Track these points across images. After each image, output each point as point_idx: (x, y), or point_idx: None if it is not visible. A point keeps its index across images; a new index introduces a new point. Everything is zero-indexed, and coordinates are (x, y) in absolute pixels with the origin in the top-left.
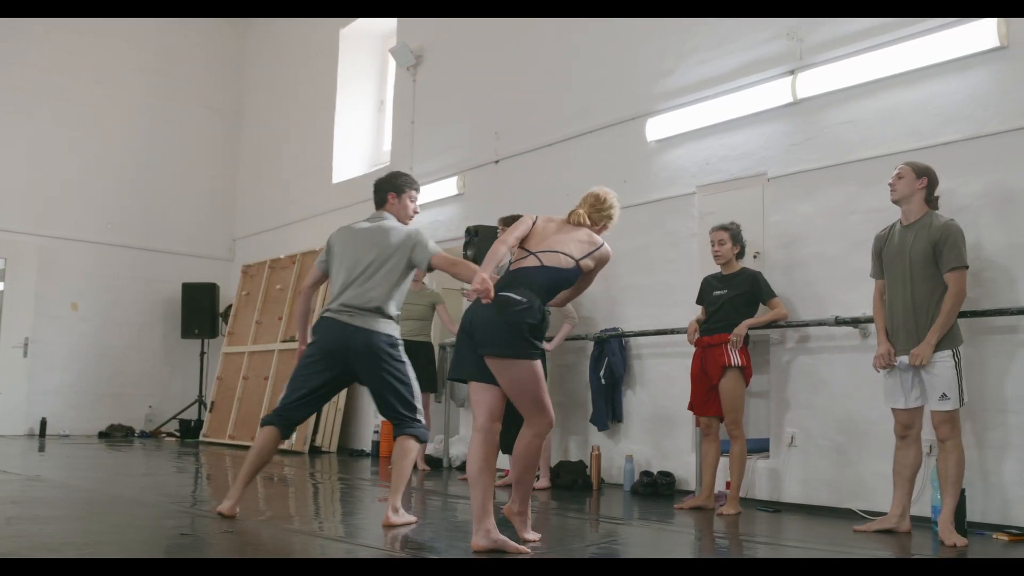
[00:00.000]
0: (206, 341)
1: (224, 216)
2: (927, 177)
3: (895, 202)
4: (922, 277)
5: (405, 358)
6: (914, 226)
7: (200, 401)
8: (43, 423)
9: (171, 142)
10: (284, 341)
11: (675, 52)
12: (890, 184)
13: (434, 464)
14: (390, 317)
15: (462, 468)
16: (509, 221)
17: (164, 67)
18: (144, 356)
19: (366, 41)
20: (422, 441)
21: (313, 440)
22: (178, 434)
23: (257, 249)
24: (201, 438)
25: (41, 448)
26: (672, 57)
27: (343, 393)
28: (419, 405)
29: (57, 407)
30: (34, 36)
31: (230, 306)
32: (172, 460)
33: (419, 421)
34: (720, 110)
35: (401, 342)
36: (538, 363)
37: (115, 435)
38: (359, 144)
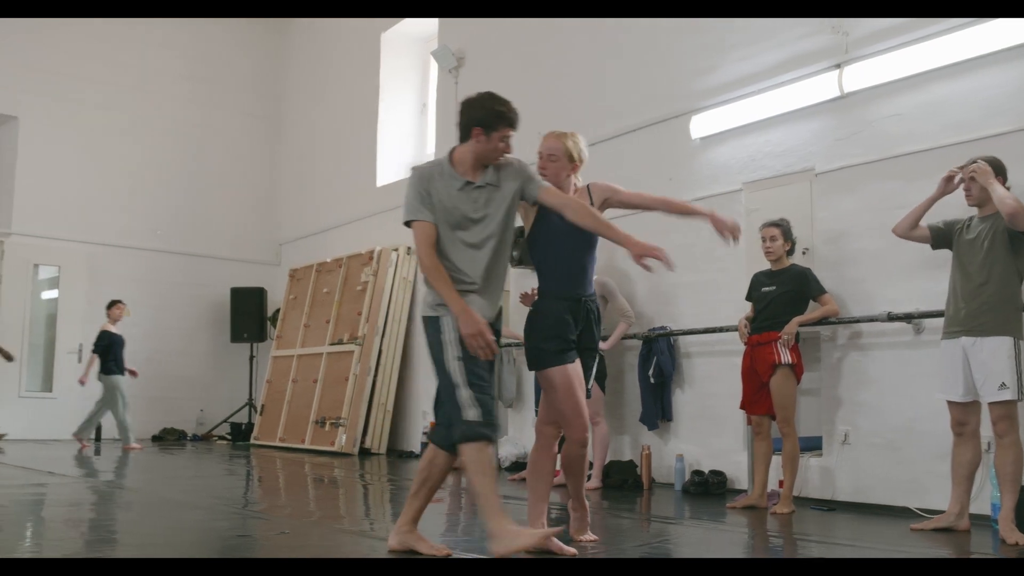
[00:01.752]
0: (255, 345)
1: (270, 221)
2: (1003, 176)
3: (973, 205)
4: (995, 261)
5: None
6: (991, 217)
7: (250, 404)
8: (98, 427)
9: (216, 149)
10: (332, 343)
11: (716, 49)
12: (965, 188)
13: None
14: None
15: (512, 468)
16: None
17: (207, 75)
18: (194, 360)
19: (407, 44)
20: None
21: (362, 442)
22: (229, 437)
23: (303, 253)
24: (252, 441)
25: (96, 452)
26: (714, 54)
27: (391, 393)
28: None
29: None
30: (79, 48)
31: (278, 310)
32: (223, 463)
33: None
34: (764, 106)
35: None
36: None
37: (167, 438)
38: (402, 147)
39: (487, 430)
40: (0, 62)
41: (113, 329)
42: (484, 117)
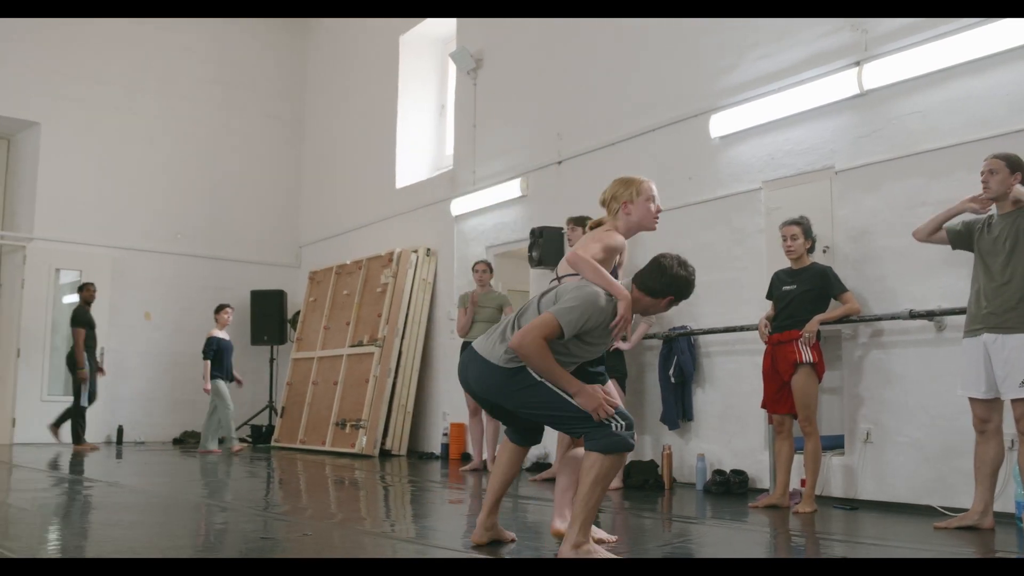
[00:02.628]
0: (275, 347)
1: (290, 223)
2: (1021, 172)
3: (990, 199)
4: (1018, 259)
5: None
6: (1011, 214)
7: (271, 407)
8: (120, 431)
9: (236, 152)
10: (352, 345)
11: (736, 47)
12: (983, 181)
13: None
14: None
15: (532, 469)
16: (579, 221)
17: (227, 79)
18: None
19: (426, 46)
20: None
21: (383, 444)
22: (250, 439)
23: (323, 255)
24: (272, 443)
25: (119, 455)
26: (733, 53)
27: (412, 395)
28: None
29: (133, 415)
30: (101, 53)
31: (298, 312)
32: (244, 465)
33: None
34: (784, 104)
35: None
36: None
37: (188, 441)
38: (421, 149)
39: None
40: (22, 69)
41: (221, 334)
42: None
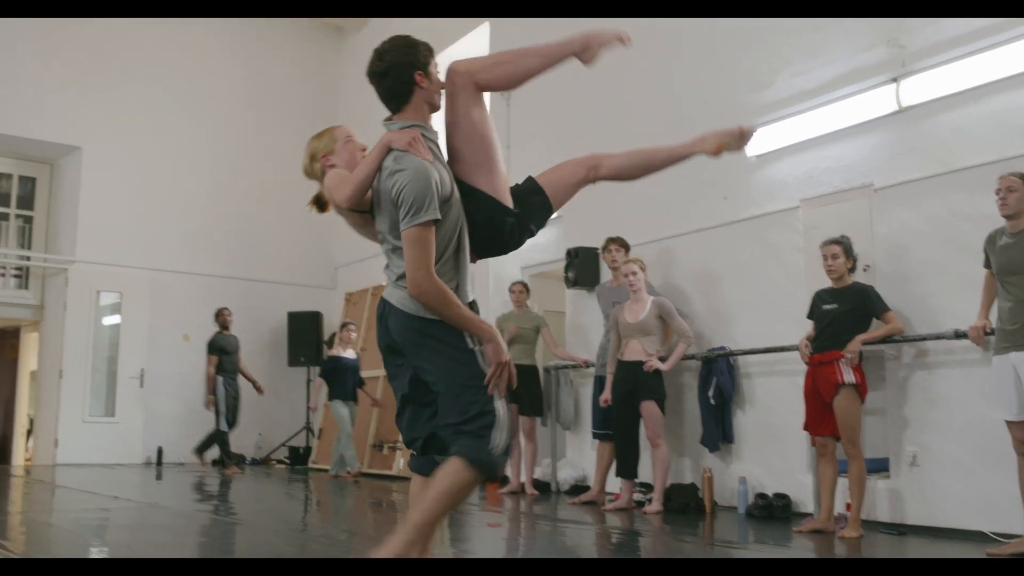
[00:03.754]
0: (311, 369)
1: (325, 245)
2: None
3: (1006, 217)
4: None
5: None
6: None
7: (308, 428)
8: (159, 452)
9: (271, 173)
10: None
11: (770, 65)
12: (1000, 198)
13: (542, 488)
14: None
15: (571, 492)
16: (619, 242)
17: (262, 101)
18: (251, 385)
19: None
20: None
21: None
22: (287, 461)
23: (359, 276)
24: (310, 465)
25: (158, 476)
26: (767, 70)
27: None
28: None
29: (172, 436)
30: (138, 77)
31: (334, 334)
32: (282, 487)
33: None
34: (821, 122)
35: None
36: None
37: (226, 462)
38: None
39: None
40: (64, 95)
41: (342, 353)
42: (416, 58)
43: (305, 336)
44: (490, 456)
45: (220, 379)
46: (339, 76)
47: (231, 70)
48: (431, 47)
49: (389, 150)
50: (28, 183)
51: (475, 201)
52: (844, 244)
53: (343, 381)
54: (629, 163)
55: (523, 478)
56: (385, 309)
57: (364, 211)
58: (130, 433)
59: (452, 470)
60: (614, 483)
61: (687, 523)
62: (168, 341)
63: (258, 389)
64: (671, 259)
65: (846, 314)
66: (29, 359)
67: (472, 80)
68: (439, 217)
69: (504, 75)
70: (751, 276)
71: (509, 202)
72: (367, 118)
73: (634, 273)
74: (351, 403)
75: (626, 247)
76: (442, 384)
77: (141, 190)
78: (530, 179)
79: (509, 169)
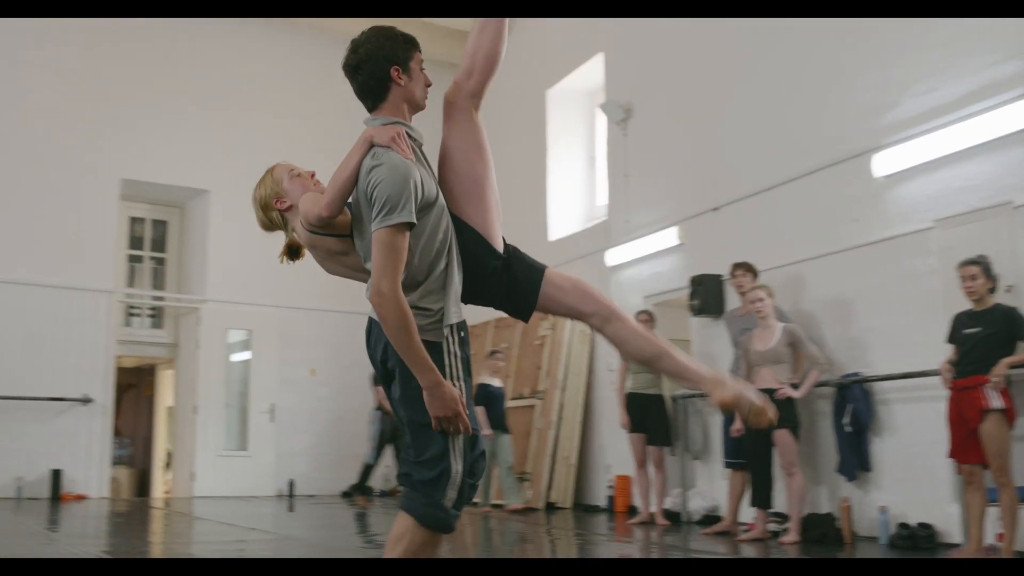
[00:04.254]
0: None
1: None
2: None
3: None
4: None
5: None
6: None
7: None
8: (291, 484)
9: None
10: (513, 399)
11: (898, 84)
12: None
13: (673, 518)
14: None
15: (702, 522)
16: (746, 267)
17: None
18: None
19: (573, 100)
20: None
21: (547, 496)
22: None
23: (479, 309)
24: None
25: (290, 508)
26: (895, 89)
27: (575, 447)
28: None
29: (303, 468)
30: (262, 122)
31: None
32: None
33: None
34: (953, 139)
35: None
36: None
37: (355, 495)
38: (573, 201)
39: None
40: (193, 141)
41: (490, 382)
42: (394, 52)
43: None
44: (441, 511)
45: (379, 413)
46: None
47: (353, 112)
48: (415, 40)
49: (371, 147)
50: (160, 226)
51: (462, 234)
52: (983, 264)
53: (491, 410)
54: (635, 343)
55: (653, 508)
56: (371, 327)
57: (343, 234)
58: (262, 466)
59: (402, 531)
60: (747, 513)
61: (827, 554)
62: (297, 376)
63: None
64: (800, 285)
65: (990, 337)
66: (165, 395)
67: (464, 94)
68: (414, 221)
69: (482, 65)
70: (885, 300)
71: (499, 244)
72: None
73: (760, 300)
74: (500, 432)
75: (754, 272)
76: (404, 418)
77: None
78: (542, 265)
79: (627, 197)
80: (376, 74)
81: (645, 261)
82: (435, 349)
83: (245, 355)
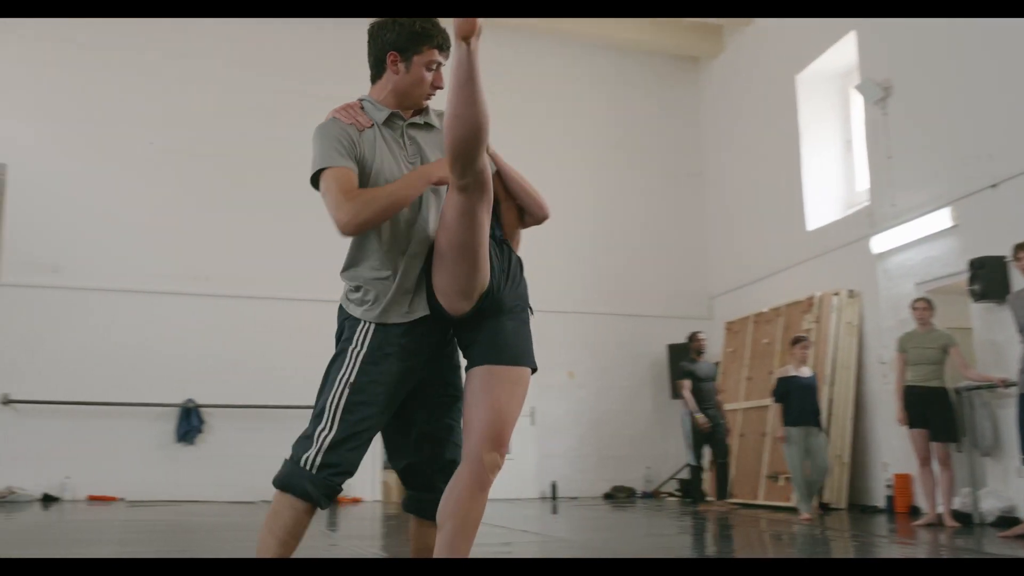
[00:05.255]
0: None
1: (698, 275)
2: None
3: None
4: None
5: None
6: None
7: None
8: (553, 486)
9: (642, 210)
10: None
11: None
12: None
13: (963, 520)
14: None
15: (997, 524)
16: None
17: (628, 141)
18: (637, 419)
19: (824, 83)
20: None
21: (820, 496)
22: (678, 494)
23: (736, 305)
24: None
25: (554, 510)
26: None
27: (848, 444)
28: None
29: (564, 471)
30: (521, 131)
31: (716, 364)
32: (674, 520)
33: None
34: None
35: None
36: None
37: (618, 496)
38: (830, 187)
39: (318, 491)
40: None
41: (797, 372)
42: (399, 38)
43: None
44: (291, 469)
45: (684, 411)
46: (697, 107)
47: (599, 115)
48: (432, 37)
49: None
50: None
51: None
52: None
53: (801, 403)
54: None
55: (940, 509)
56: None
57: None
58: (525, 469)
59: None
60: None
61: None
62: (555, 380)
63: (702, 425)
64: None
65: None
66: None
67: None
68: (331, 165)
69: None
70: None
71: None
72: (727, 146)
73: None
74: (812, 428)
75: None
76: None
77: (538, 240)
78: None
79: (890, 179)
80: (375, 52)
81: (915, 246)
82: (352, 322)
83: None
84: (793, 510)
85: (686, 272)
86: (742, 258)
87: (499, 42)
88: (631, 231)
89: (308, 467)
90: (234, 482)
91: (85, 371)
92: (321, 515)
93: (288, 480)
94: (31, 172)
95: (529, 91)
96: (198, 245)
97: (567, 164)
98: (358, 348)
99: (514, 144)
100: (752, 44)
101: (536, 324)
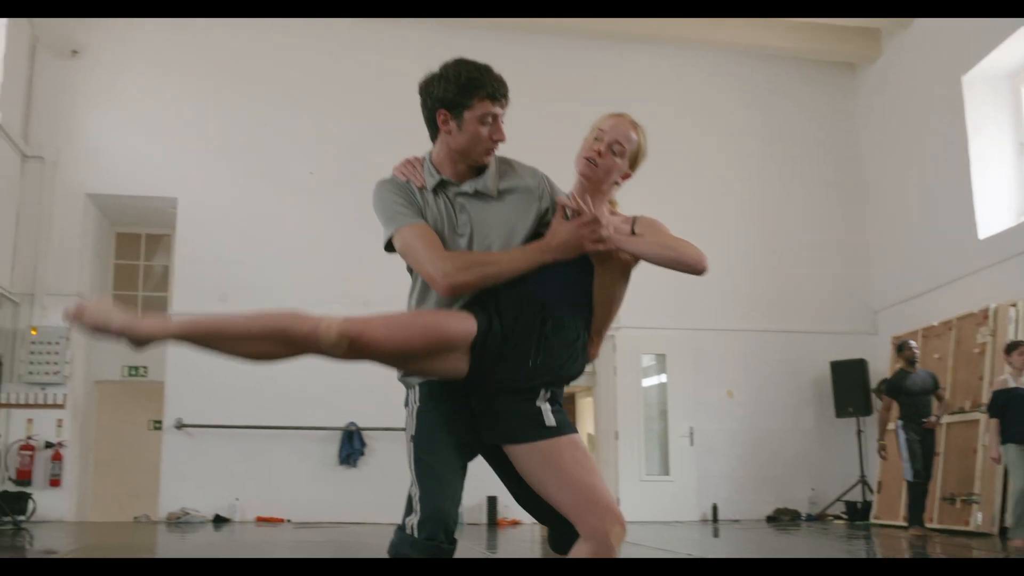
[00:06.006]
0: (861, 419)
1: (861, 289)
2: None
3: None
4: None
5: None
6: None
7: (863, 481)
8: (714, 508)
9: (798, 223)
10: (952, 413)
11: None
12: None
13: None
14: None
15: None
16: None
17: (782, 151)
18: (799, 438)
19: (993, 83)
20: None
21: (1001, 520)
22: (845, 516)
23: (903, 319)
24: (871, 520)
25: (715, 534)
26: None
27: None
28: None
29: (724, 492)
30: (667, 144)
31: (883, 380)
32: (841, 543)
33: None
34: None
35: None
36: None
37: (781, 519)
38: (1004, 193)
39: (421, 556)
40: None
41: (1015, 384)
42: (446, 94)
43: (851, 385)
44: (399, 536)
45: (900, 423)
46: (853, 114)
47: (752, 129)
48: (479, 86)
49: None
50: None
51: None
52: None
53: (1022, 417)
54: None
55: None
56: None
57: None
58: (684, 491)
59: None
60: None
61: None
62: (713, 399)
63: (929, 424)
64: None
65: None
66: (586, 422)
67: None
68: (406, 224)
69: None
70: None
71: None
72: (888, 152)
73: None
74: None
75: None
76: None
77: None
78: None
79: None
80: (425, 112)
81: None
82: (408, 384)
83: (656, 379)
84: (979, 535)
85: (848, 286)
86: (908, 269)
87: (656, 54)
88: (788, 244)
89: (410, 532)
90: (395, 504)
91: (252, 396)
92: (481, 537)
93: (396, 549)
94: (199, 204)
95: (681, 105)
96: (358, 270)
97: (721, 179)
98: (414, 404)
99: (671, 157)
100: (913, 47)
101: (692, 342)
